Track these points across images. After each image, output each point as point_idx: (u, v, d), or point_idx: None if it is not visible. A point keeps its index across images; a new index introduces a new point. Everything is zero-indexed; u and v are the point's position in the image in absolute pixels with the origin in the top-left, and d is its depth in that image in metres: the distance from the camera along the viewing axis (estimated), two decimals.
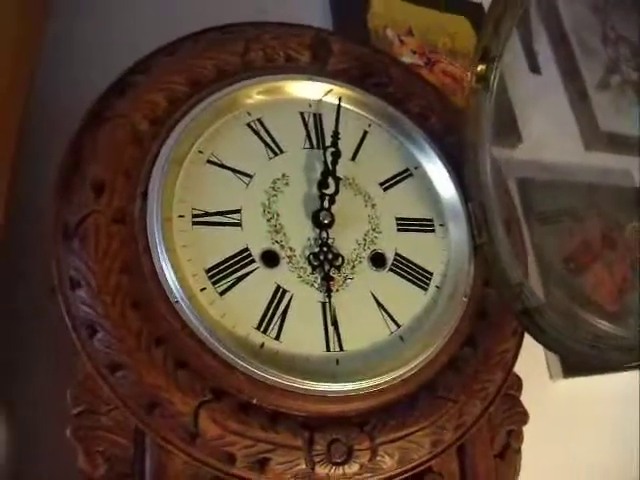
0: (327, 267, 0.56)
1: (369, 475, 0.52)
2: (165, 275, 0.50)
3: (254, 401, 0.50)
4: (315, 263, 0.56)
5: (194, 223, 0.54)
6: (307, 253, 0.56)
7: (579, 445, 0.80)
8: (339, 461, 0.51)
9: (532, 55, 1.02)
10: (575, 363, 0.80)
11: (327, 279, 0.55)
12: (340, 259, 0.57)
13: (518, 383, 0.64)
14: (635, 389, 0.84)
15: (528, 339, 0.63)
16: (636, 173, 0.99)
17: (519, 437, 0.62)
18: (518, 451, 0.62)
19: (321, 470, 0.50)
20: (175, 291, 0.50)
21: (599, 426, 0.82)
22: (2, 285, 0.55)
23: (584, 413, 0.81)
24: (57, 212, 0.53)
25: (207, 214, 0.55)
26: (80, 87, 0.60)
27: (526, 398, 0.64)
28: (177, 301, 0.50)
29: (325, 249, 0.56)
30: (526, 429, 0.63)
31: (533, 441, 0.66)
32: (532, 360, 0.81)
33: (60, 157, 0.54)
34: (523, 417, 0.63)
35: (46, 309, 0.57)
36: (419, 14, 0.93)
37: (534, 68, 1.02)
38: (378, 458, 0.52)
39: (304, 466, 0.50)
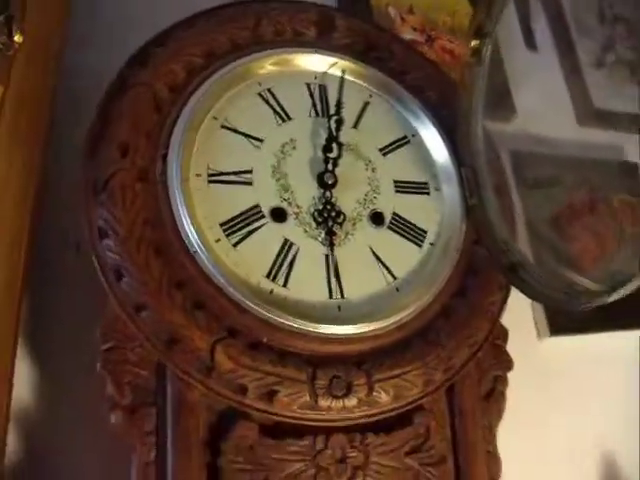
0: (330, 223, 0.61)
1: (366, 408, 0.58)
2: (184, 227, 0.56)
3: (264, 340, 0.56)
4: (319, 219, 0.61)
5: (210, 182, 0.60)
6: (312, 210, 0.62)
7: (562, 401, 0.85)
8: (339, 395, 0.56)
9: (529, 32, 1.06)
10: (561, 322, 0.86)
11: (330, 234, 0.61)
12: (342, 216, 0.62)
13: (504, 334, 0.69)
14: (620, 350, 0.90)
15: (517, 299, 0.69)
16: (626, 148, 1.03)
17: (504, 382, 0.68)
18: (503, 394, 0.67)
19: (323, 402, 0.56)
20: (193, 242, 0.56)
21: (583, 384, 0.87)
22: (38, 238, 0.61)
23: (569, 370, 0.86)
24: (86, 171, 0.58)
25: (221, 174, 0.60)
26: (105, 59, 0.65)
27: (514, 355, 0.70)
28: (195, 251, 0.56)
29: (329, 207, 0.62)
30: (512, 384, 0.69)
31: (519, 395, 0.72)
32: (520, 319, 0.87)
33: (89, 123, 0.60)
34: (508, 364, 0.68)
35: (71, 261, 0.64)
36: None
37: (530, 44, 1.06)
38: (374, 394, 0.58)
39: (308, 398, 0.56)
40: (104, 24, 0.76)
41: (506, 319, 0.69)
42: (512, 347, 0.70)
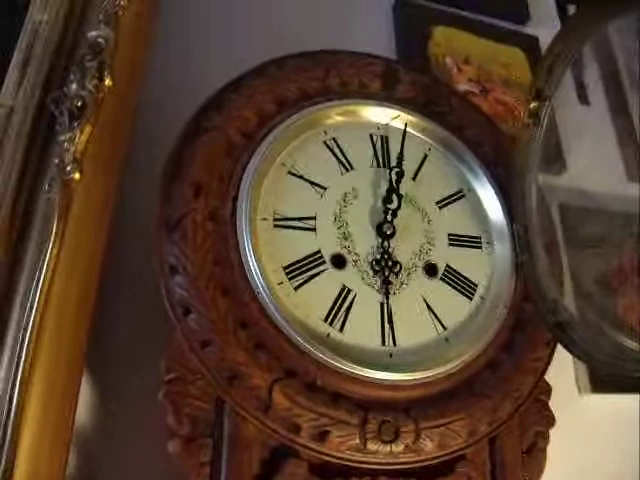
0: (387, 272, 0.64)
1: (412, 455, 0.60)
2: (250, 268, 0.59)
3: (318, 382, 0.58)
4: (377, 268, 0.64)
5: (275, 226, 0.63)
6: (370, 259, 0.64)
7: (601, 459, 0.85)
8: (387, 440, 0.59)
9: (582, 87, 1.09)
10: (603, 380, 0.86)
11: (386, 282, 0.63)
12: (398, 266, 0.65)
13: (548, 390, 0.71)
14: None
15: (559, 355, 0.70)
16: None
17: (545, 438, 0.69)
18: (544, 450, 0.69)
19: (371, 446, 0.58)
20: (258, 283, 0.59)
21: (623, 443, 0.87)
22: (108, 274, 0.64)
23: (609, 429, 0.86)
24: (161, 209, 0.62)
25: (287, 219, 0.63)
26: (180, 100, 0.69)
27: (555, 411, 0.71)
28: (259, 292, 0.59)
29: (386, 256, 0.64)
30: (554, 439, 0.70)
31: (559, 451, 0.73)
32: (562, 375, 0.87)
33: (163, 163, 0.64)
34: (550, 420, 0.70)
35: (139, 292, 0.67)
36: (476, 44, 1.00)
37: (583, 100, 1.08)
38: (421, 441, 0.60)
39: (358, 441, 0.58)
40: (181, 64, 0.80)
41: (548, 374, 0.70)
42: (553, 402, 0.71)
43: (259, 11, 0.91)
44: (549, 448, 0.70)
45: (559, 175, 0.97)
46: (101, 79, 0.62)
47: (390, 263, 0.64)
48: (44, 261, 0.58)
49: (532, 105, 0.70)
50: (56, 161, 0.61)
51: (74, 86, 0.63)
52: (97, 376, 0.65)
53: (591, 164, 0.98)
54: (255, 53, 0.72)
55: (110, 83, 0.63)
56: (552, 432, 0.70)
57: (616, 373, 0.59)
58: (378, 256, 0.65)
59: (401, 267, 0.65)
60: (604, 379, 0.85)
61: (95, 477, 0.63)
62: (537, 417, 0.69)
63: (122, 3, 0.66)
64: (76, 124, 0.61)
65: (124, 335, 0.67)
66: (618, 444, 0.85)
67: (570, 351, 0.63)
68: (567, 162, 0.98)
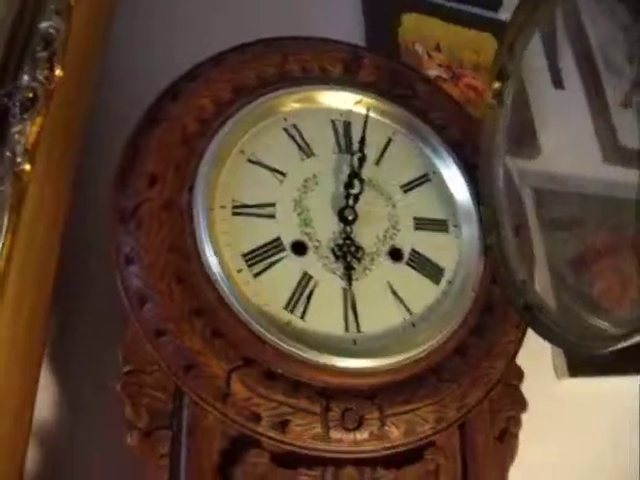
0: (349, 258, 0.63)
1: (377, 442, 0.59)
2: (207, 257, 0.58)
3: (279, 370, 0.57)
4: (339, 254, 0.63)
5: (234, 213, 0.62)
6: (332, 245, 0.63)
7: (579, 443, 0.84)
8: (351, 427, 0.57)
9: (556, 71, 1.08)
10: (581, 363, 0.85)
11: (348, 268, 0.62)
12: (361, 251, 0.64)
13: (519, 374, 0.69)
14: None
15: (536, 340, 0.69)
16: None
17: (517, 423, 0.68)
18: (516, 436, 0.67)
19: (335, 434, 0.57)
20: (215, 270, 0.58)
21: (601, 426, 0.86)
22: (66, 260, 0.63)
23: (587, 412, 0.85)
24: (116, 199, 0.61)
25: (245, 206, 0.62)
26: (137, 90, 0.68)
27: (532, 395, 0.70)
28: (216, 279, 0.57)
29: (348, 242, 0.63)
30: (530, 425, 0.69)
31: (537, 437, 0.72)
32: (539, 359, 0.87)
33: (119, 153, 0.63)
34: (522, 405, 0.68)
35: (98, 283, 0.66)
36: (447, 30, 0.99)
37: (558, 83, 1.07)
38: (386, 428, 0.59)
39: (320, 429, 0.57)
40: (137, 57, 0.79)
41: (525, 359, 0.69)
42: (530, 387, 0.70)
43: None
44: (527, 433, 0.69)
45: (534, 159, 0.96)
46: (52, 69, 0.61)
47: (352, 248, 0.63)
48: None
49: (495, 85, 0.69)
50: (8, 153, 0.60)
51: (25, 77, 0.62)
52: (57, 372, 0.64)
53: (566, 147, 0.97)
54: (216, 41, 0.71)
55: (61, 74, 0.61)
56: (530, 417, 0.69)
57: (582, 352, 0.58)
58: (340, 242, 0.63)
59: (364, 252, 0.64)
60: (581, 363, 0.83)
61: (57, 472, 0.62)
62: (508, 402, 0.68)
63: None
64: (27, 116, 0.60)
65: (82, 328, 0.66)
66: (597, 427, 0.84)
67: (537, 332, 0.62)
68: (542, 146, 0.97)
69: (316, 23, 0.90)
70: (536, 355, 0.76)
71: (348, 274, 0.62)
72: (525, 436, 0.69)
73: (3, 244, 0.58)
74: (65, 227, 0.62)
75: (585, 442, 0.83)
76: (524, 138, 0.96)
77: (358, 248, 0.64)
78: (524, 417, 0.69)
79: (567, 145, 0.99)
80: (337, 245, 0.63)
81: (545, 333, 0.61)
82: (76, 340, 0.66)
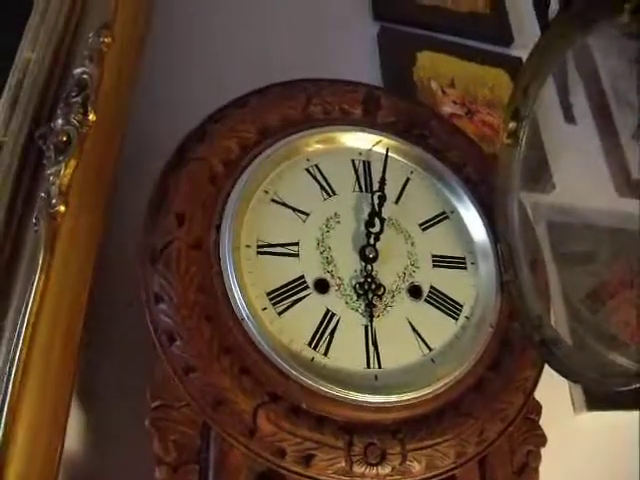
0: (370, 295, 0.64)
1: (399, 477, 0.60)
2: (234, 295, 0.60)
3: (303, 406, 0.59)
4: (360, 291, 0.65)
5: (258, 252, 0.64)
6: (354, 282, 0.65)
7: (598, 477, 0.85)
8: (374, 462, 0.59)
9: (568, 106, 1.10)
10: (598, 397, 0.86)
11: (370, 306, 0.64)
12: (382, 289, 0.65)
13: (538, 408, 0.70)
14: None
15: (554, 374, 0.70)
16: None
17: (537, 457, 0.69)
18: (536, 470, 0.68)
19: (358, 469, 0.58)
20: (242, 309, 0.60)
21: (619, 460, 0.86)
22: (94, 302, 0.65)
23: (605, 446, 0.86)
24: (145, 238, 0.63)
25: (270, 245, 0.64)
26: (165, 132, 0.71)
27: (550, 430, 0.71)
28: (243, 318, 0.59)
29: (369, 280, 0.65)
30: (547, 458, 0.70)
31: (556, 470, 0.72)
32: (557, 394, 0.87)
33: (149, 193, 0.65)
34: (541, 439, 0.69)
35: (125, 322, 0.68)
36: (461, 67, 1.02)
37: (569, 119, 1.09)
38: (407, 463, 0.60)
39: (343, 464, 0.58)
40: (164, 98, 0.82)
41: (543, 393, 0.70)
42: (548, 421, 0.71)
43: (242, 40, 0.93)
44: (545, 468, 0.69)
45: (548, 194, 0.98)
46: (85, 114, 0.64)
47: (373, 286, 0.65)
48: (31, 293, 0.59)
49: (510, 125, 0.71)
50: (42, 194, 0.63)
51: (60, 121, 0.65)
52: (86, 407, 0.66)
53: (579, 181, 0.99)
54: (239, 82, 0.74)
55: (94, 118, 0.64)
56: (548, 451, 0.70)
57: (602, 389, 0.59)
58: (362, 280, 0.65)
59: (385, 290, 0.66)
60: (599, 397, 0.84)
61: None
62: (527, 436, 0.69)
63: (106, 40, 0.68)
64: (61, 158, 0.63)
65: (112, 366, 0.67)
66: (614, 461, 0.84)
67: (554, 368, 0.63)
68: (555, 181, 0.99)
69: (334, 64, 0.93)
70: (554, 389, 0.76)
71: (370, 311, 0.64)
72: (542, 469, 0.69)
73: (37, 284, 0.60)
74: (97, 264, 0.64)
75: (601, 476, 0.84)
76: (538, 173, 0.98)
77: (379, 286, 0.65)
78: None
79: (580, 179, 1.01)
80: (359, 283, 0.65)
81: (561, 369, 0.62)
82: (105, 375, 0.67)
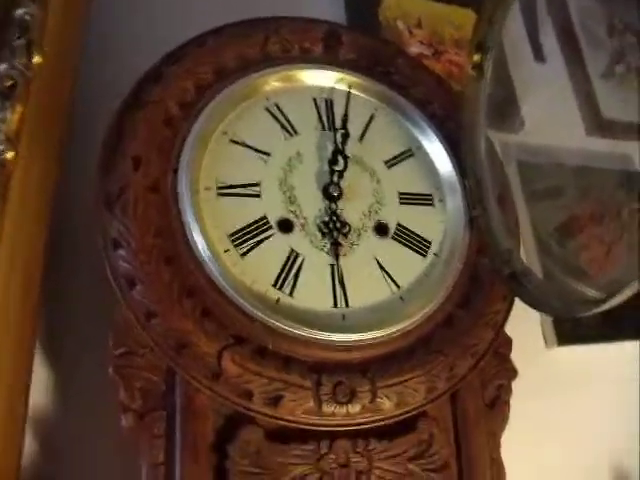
0: (335, 234, 0.63)
1: (369, 415, 0.60)
2: (194, 238, 0.58)
3: (269, 347, 0.58)
4: (325, 230, 0.63)
5: (219, 194, 0.62)
6: (318, 221, 0.64)
7: (569, 411, 0.85)
8: (343, 401, 0.58)
9: (537, 45, 1.08)
10: (568, 332, 0.87)
11: (335, 244, 0.63)
12: (347, 227, 0.64)
13: (508, 342, 0.70)
14: (629, 360, 0.90)
15: (525, 309, 0.70)
16: (635, 157, 1.04)
17: (508, 390, 0.69)
18: (507, 403, 0.68)
19: (327, 408, 0.58)
20: (202, 252, 0.58)
21: (590, 393, 0.87)
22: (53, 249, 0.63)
23: (576, 380, 0.86)
24: (100, 183, 0.61)
25: (230, 186, 0.62)
26: (119, 74, 0.68)
27: (521, 364, 0.71)
28: (204, 260, 0.58)
29: (334, 218, 0.64)
30: (520, 393, 0.70)
31: (526, 404, 0.73)
32: (528, 329, 0.87)
33: (103, 136, 0.63)
34: (512, 373, 0.70)
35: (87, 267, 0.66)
36: (428, 7, 0.99)
37: (539, 57, 1.07)
38: (378, 400, 0.59)
39: (312, 404, 0.57)
40: (119, 40, 0.79)
41: (514, 329, 0.70)
42: (520, 356, 0.71)
43: None
44: (517, 402, 0.70)
45: (517, 132, 0.97)
46: (30, 57, 0.61)
47: (338, 225, 0.64)
48: None
49: (475, 57, 0.69)
50: None
51: (4, 66, 0.62)
52: (49, 359, 0.64)
53: (548, 120, 0.97)
54: (196, 25, 0.71)
55: (39, 60, 0.61)
56: (519, 385, 0.70)
57: (566, 316, 0.59)
58: (326, 218, 0.64)
59: (350, 228, 0.64)
60: (569, 332, 0.85)
61: (53, 456, 0.62)
62: (498, 370, 0.69)
63: None
64: (7, 104, 0.60)
65: (74, 314, 0.66)
66: (585, 395, 0.85)
67: (523, 300, 0.63)
68: (525, 119, 0.98)
69: (296, 2, 0.90)
70: (525, 325, 0.77)
71: (335, 250, 0.63)
72: (514, 404, 0.70)
73: None
74: (53, 210, 0.62)
75: (573, 410, 0.84)
76: (507, 111, 0.96)
77: (344, 224, 0.64)
78: (513, 386, 0.70)
79: (550, 118, 0.99)
80: (323, 222, 0.64)
81: (531, 301, 0.61)
82: (68, 325, 0.66)
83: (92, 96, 0.70)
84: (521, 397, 0.70)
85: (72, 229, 0.66)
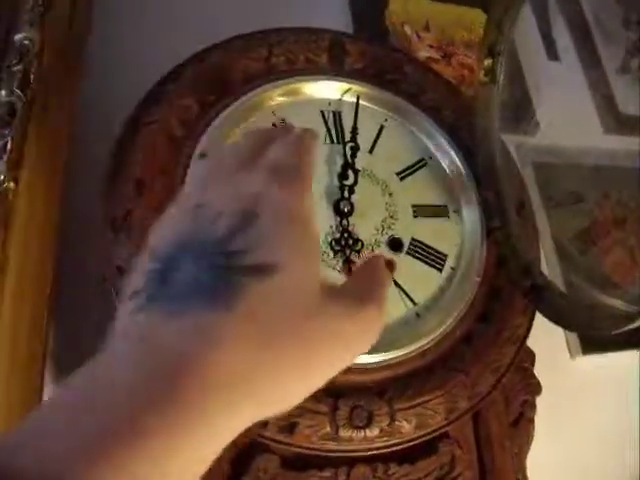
0: (348, 252, 0.61)
1: (388, 438, 0.57)
2: None
3: None
4: (337, 248, 0.61)
5: None
6: (329, 239, 0.62)
7: (597, 419, 0.83)
8: (360, 425, 0.56)
9: (550, 42, 1.05)
10: (593, 341, 0.84)
11: (348, 262, 0.61)
12: (360, 244, 0.62)
13: (531, 357, 0.68)
14: None
15: (547, 322, 0.67)
16: None
17: (532, 407, 0.66)
18: (531, 420, 0.66)
19: (344, 433, 0.56)
20: None
21: (617, 401, 0.84)
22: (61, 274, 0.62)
23: (603, 388, 0.84)
24: (105, 209, 0.59)
25: None
26: (122, 94, 0.66)
27: (546, 375, 0.69)
28: None
29: (346, 235, 0.62)
30: (546, 405, 0.68)
31: (553, 416, 0.71)
32: (552, 339, 0.85)
33: (106, 160, 0.61)
34: (536, 388, 0.67)
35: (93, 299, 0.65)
36: (435, 9, 0.97)
37: (552, 56, 1.05)
38: (396, 423, 0.57)
39: (329, 429, 0.55)
40: (123, 59, 0.78)
41: (537, 340, 0.68)
42: (544, 368, 0.69)
43: None
44: (542, 415, 0.67)
45: (533, 134, 0.94)
46: (28, 83, 0.60)
47: (350, 242, 0.62)
48: None
49: (486, 62, 0.67)
50: None
51: (3, 92, 0.61)
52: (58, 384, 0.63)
53: (564, 120, 0.95)
54: (196, 43, 0.69)
55: (38, 85, 0.60)
56: (545, 397, 0.68)
57: (592, 333, 0.56)
58: (337, 235, 0.62)
59: (363, 244, 0.62)
60: (594, 340, 0.82)
61: None
62: (522, 386, 0.66)
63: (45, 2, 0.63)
64: (7, 132, 0.59)
65: (82, 348, 0.64)
66: (612, 403, 0.82)
67: (544, 314, 0.60)
68: (540, 120, 0.95)
69: (302, 12, 0.88)
70: (549, 335, 0.74)
71: (348, 268, 0.61)
72: (539, 416, 0.67)
73: None
74: (59, 239, 0.61)
75: (600, 418, 0.82)
76: (521, 113, 0.94)
77: (356, 241, 0.62)
78: (538, 398, 0.68)
79: (566, 117, 0.97)
80: (334, 239, 0.62)
81: (552, 315, 0.59)
82: (76, 353, 0.64)
83: (95, 117, 0.69)
84: (546, 409, 0.68)
85: (78, 256, 0.65)
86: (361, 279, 0.41)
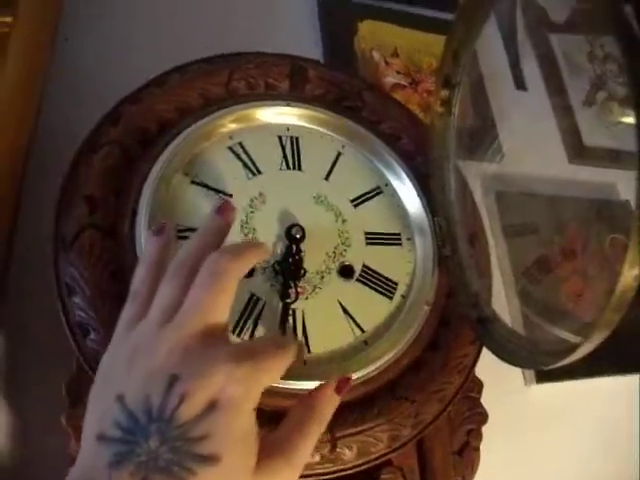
0: (287, 276, 0.61)
1: (330, 465, 0.58)
2: None
3: None
4: (279, 270, 0.61)
5: (179, 237, 0.60)
6: (272, 262, 0.62)
7: (551, 448, 0.84)
8: None
9: (518, 72, 1.07)
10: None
11: (286, 287, 0.60)
12: (302, 271, 0.62)
13: (479, 386, 0.69)
14: (609, 394, 0.88)
15: None
16: (619, 186, 1.03)
17: (478, 436, 0.67)
18: (477, 449, 0.66)
19: None
20: None
21: (571, 429, 0.85)
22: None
23: (557, 417, 0.84)
24: (56, 228, 0.60)
25: (190, 230, 0.61)
26: (80, 115, 0.67)
27: (500, 403, 0.69)
28: None
29: (290, 260, 0.62)
30: (499, 433, 0.69)
31: (507, 445, 0.71)
32: (507, 366, 0.85)
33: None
34: (482, 417, 0.67)
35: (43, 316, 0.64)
36: (404, 36, 0.98)
37: (520, 85, 1.06)
38: (338, 450, 0.57)
39: None
40: (84, 80, 0.78)
41: (492, 367, 0.68)
42: (498, 395, 0.70)
43: (179, 8, 0.88)
44: (496, 442, 0.68)
45: (497, 162, 0.96)
46: None
47: (292, 267, 0.62)
48: None
49: (442, 93, 0.68)
50: None
51: None
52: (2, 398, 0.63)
53: (530, 148, 0.96)
54: (162, 62, 0.70)
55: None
56: (499, 426, 0.68)
57: (528, 367, 0.57)
58: (279, 259, 0.62)
59: (305, 272, 0.62)
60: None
61: None
62: (468, 415, 0.67)
63: None
64: None
65: (30, 354, 0.64)
66: (565, 430, 0.83)
67: (487, 346, 0.61)
68: (504, 149, 0.96)
69: (271, 37, 0.90)
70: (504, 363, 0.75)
71: (284, 292, 0.61)
72: (492, 443, 0.68)
73: None
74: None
75: (554, 446, 0.82)
76: (486, 141, 0.95)
77: (298, 267, 0.62)
78: (490, 427, 0.68)
79: (531, 146, 0.98)
80: (277, 261, 0.62)
81: (495, 348, 0.59)
82: (23, 364, 0.64)
83: (53, 139, 0.69)
84: (500, 437, 0.69)
85: (30, 274, 0.65)
86: (290, 425, 0.48)
